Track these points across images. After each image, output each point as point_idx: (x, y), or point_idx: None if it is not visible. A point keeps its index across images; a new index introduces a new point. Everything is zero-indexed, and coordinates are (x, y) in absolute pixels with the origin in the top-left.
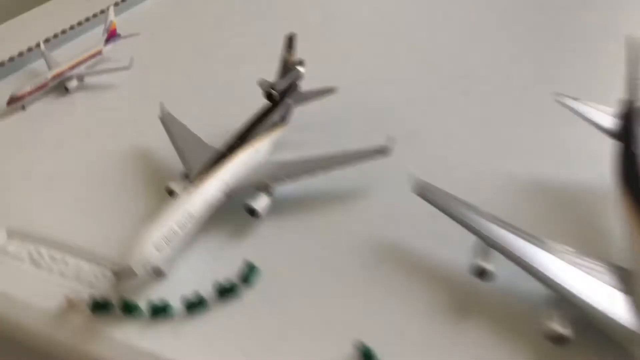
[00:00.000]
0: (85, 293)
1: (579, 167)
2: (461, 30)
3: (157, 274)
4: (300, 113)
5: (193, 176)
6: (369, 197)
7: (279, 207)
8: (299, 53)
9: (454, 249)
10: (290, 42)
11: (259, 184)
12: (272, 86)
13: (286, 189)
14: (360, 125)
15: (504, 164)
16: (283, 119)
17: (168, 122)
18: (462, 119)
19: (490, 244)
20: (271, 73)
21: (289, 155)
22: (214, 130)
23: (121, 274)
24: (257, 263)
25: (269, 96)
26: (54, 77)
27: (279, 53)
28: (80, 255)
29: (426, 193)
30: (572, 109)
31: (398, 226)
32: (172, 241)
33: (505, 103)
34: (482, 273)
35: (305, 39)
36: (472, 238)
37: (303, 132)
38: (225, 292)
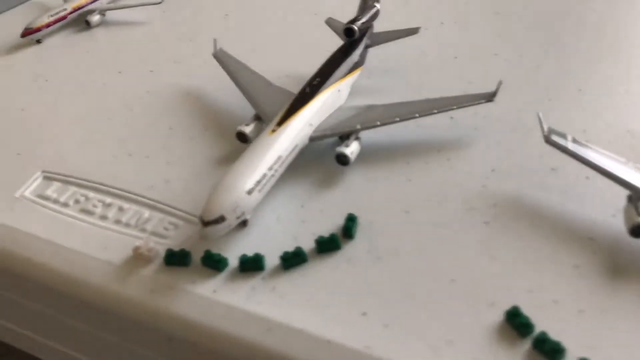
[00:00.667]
0: (154, 243)
1: None
2: None
3: (242, 224)
4: (370, 58)
5: (269, 119)
6: (471, 146)
7: (368, 155)
8: None
9: (587, 204)
10: None
11: (348, 128)
12: (353, 22)
13: (376, 135)
14: (444, 74)
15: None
16: (361, 59)
17: (225, 60)
18: (553, 70)
19: None
20: (334, 10)
21: (364, 101)
22: (270, 74)
23: (210, 220)
24: (351, 211)
25: (349, 32)
26: (74, 10)
27: None
28: (140, 202)
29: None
30: None
31: (513, 180)
32: (262, 185)
33: None
34: (639, 230)
35: None
36: (605, 190)
37: (374, 77)
38: (326, 244)
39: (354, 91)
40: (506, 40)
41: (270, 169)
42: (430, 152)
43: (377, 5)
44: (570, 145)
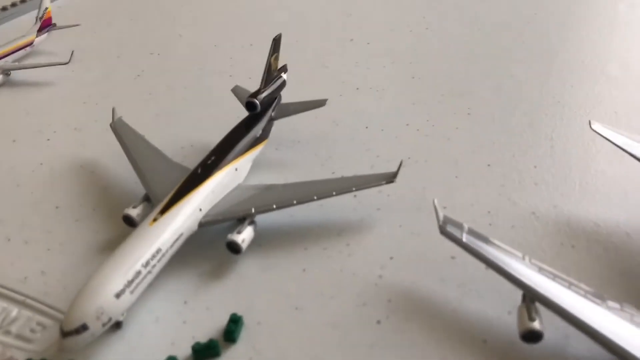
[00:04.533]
0: (17, 350)
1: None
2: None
3: (115, 326)
4: (279, 128)
5: (158, 200)
6: (372, 230)
7: (263, 239)
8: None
9: (484, 299)
10: (276, 44)
11: (242, 212)
12: (255, 94)
13: (270, 217)
14: (354, 144)
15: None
16: (264, 133)
17: (122, 131)
18: (460, 140)
19: (536, 298)
20: (240, 77)
21: (269, 176)
22: (172, 143)
23: (70, 330)
24: (238, 311)
25: (250, 106)
26: None
27: (250, 50)
28: (9, 297)
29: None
30: (610, 141)
31: (410, 269)
32: (136, 285)
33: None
34: (530, 335)
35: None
36: (503, 283)
37: (283, 148)
38: (204, 352)
39: (259, 164)
40: (420, 109)
41: (146, 265)
42: (330, 236)
43: (284, 76)
44: (465, 238)
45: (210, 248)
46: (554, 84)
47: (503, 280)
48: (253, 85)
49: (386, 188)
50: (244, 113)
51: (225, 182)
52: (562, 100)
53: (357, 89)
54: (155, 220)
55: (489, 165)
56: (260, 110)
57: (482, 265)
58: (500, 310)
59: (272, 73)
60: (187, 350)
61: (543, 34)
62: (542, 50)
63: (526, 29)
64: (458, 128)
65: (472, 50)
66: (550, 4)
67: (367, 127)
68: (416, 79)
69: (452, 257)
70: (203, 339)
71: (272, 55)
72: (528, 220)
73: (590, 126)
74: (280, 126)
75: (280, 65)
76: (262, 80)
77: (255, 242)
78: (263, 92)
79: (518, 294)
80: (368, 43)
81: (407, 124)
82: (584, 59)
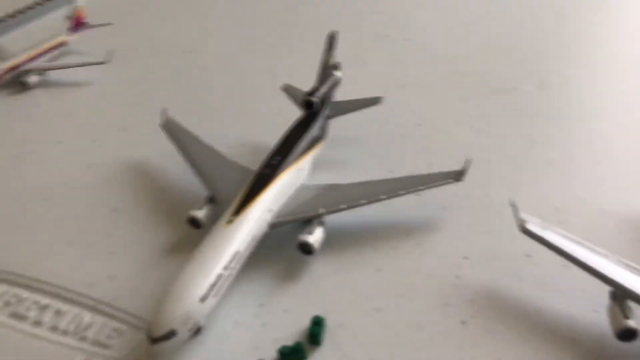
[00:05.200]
0: (95, 356)
1: None
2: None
3: (196, 331)
4: (332, 125)
5: (226, 201)
6: (440, 229)
7: (332, 240)
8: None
9: (566, 297)
10: (331, 42)
11: (311, 213)
12: (312, 92)
13: (340, 217)
14: (408, 143)
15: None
16: (322, 133)
17: (174, 131)
18: (513, 136)
19: (628, 295)
20: (282, 75)
21: (327, 175)
22: (222, 144)
23: (159, 336)
24: (318, 312)
25: (308, 104)
26: (10, 69)
27: (299, 49)
28: (79, 302)
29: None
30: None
31: (487, 269)
32: (218, 288)
33: None
34: (626, 334)
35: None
36: (584, 280)
37: (337, 147)
38: (291, 356)
39: (316, 164)
40: (470, 105)
41: (226, 268)
42: (398, 236)
43: (338, 74)
44: (549, 236)
45: (280, 249)
46: (604, 76)
47: (583, 278)
48: (297, 83)
49: (448, 186)
50: (291, 111)
51: (291, 182)
52: (608, 98)
53: (402, 86)
54: (230, 222)
55: (549, 161)
56: (317, 109)
57: (559, 263)
58: (585, 309)
59: (327, 70)
60: (272, 353)
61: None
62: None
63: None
64: (511, 124)
65: (513, 44)
66: None
67: (418, 125)
68: (460, 75)
69: (528, 255)
70: (285, 341)
71: (327, 53)
72: (598, 217)
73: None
74: (332, 124)
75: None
76: (318, 76)
77: (324, 243)
78: (320, 89)
79: (600, 291)
80: (405, 39)
81: (458, 121)
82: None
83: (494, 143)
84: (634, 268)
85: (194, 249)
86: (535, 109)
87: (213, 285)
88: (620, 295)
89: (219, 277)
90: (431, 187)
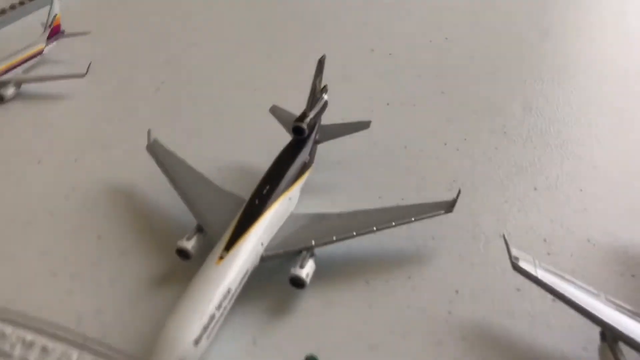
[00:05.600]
0: None
1: None
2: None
3: None
4: (318, 148)
5: (215, 233)
6: (431, 261)
7: (322, 271)
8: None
9: (556, 333)
10: (320, 66)
11: (302, 245)
12: (302, 118)
13: (326, 248)
14: (396, 166)
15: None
16: (311, 158)
17: (160, 154)
18: (501, 160)
19: (619, 337)
20: (265, 90)
21: (316, 201)
22: (208, 165)
23: None
24: (310, 349)
25: (298, 131)
26: None
27: (269, 61)
28: (66, 339)
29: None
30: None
31: (478, 303)
32: (211, 329)
33: None
34: None
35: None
36: (573, 316)
37: (324, 171)
38: None
39: (304, 189)
40: (455, 126)
41: (219, 307)
42: (389, 268)
43: (325, 97)
44: (540, 274)
45: (270, 281)
46: (580, 103)
47: (573, 314)
48: (281, 101)
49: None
50: (277, 131)
51: (281, 212)
52: (593, 123)
53: (388, 104)
54: (221, 258)
55: (535, 188)
56: (306, 134)
57: (548, 298)
58: (575, 346)
59: (316, 95)
60: None
61: (559, 49)
62: (562, 66)
63: (545, 41)
64: (497, 148)
65: (496, 64)
66: (566, 14)
67: (405, 147)
68: (446, 94)
69: (518, 289)
70: None
71: (316, 77)
72: (585, 248)
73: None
74: (319, 147)
75: (322, 86)
76: (308, 102)
77: (315, 274)
78: (309, 115)
79: (589, 328)
80: (390, 54)
81: (445, 143)
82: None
83: (480, 167)
84: (624, 308)
85: (185, 284)
86: (520, 131)
87: (206, 327)
88: (610, 336)
89: (212, 317)
90: (423, 218)
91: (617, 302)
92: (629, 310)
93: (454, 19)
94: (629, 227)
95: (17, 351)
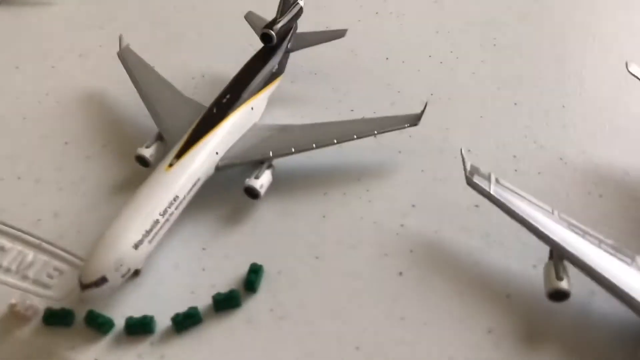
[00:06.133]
0: (34, 296)
1: None
2: None
3: (134, 274)
4: (294, 58)
5: (172, 140)
6: (393, 175)
7: (281, 183)
8: None
9: (508, 251)
10: None
11: (259, 156)
12: (271, 25)
13: (291, 160)
14: (373, 79)
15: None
16: (280, 67)
17: (130, 61)
18: (485, 74)
19: (565, 256)
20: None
21: (284, 111)
22: (182, 73)
23: (89, 283)
24: (257, 259)
25: (266, 38)
26: None
27: None
28: (23, 240)
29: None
30: None
31: (433, 218)
32: (154, 234)
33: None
34: (557, 295)
35: None
36: (531, 239)
37: (298, 81)
38: (224, 303)
39: (273, 99)
40: (443, 38)
41: (164, 213)
42: (349, 181)
43: (300, 3)
44: (493, 190)
45: (226, 192)
46: (584, 12)
47: (528, 233)
48: (264, 7)
49: (408, 129)
50: (257, 41)
51: (241, 122)
52: (594, 32)
53: (377, 13)
54: (171, 165)
55: (515, 103)
56: (276, 42)
57: (506, 216)
58: (525, 264)
59: (288, 1)
60: (208, 300)
61: None
62: None
63: None
64: (483, 61)
65: None
66: None
67: (387, 59)
68: (438, 3)
69: (476, 206)
70: (223, 287)
71: None
72: (555, 167)
73: (627, 68)
74: (295, 55)
75: None
76: (278, 8)
77: (273, 186)
78: (279, 22)
79: (544, 247)
80: None
81: (430, 55)
82: None
83: (463, 82)
84: (577, 227)
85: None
86: (511, 43)
87: (149, 232)
88: (557, 254)
89: (156, 222)
90: (386, 131)
91: (570, 220)
92: (580, 229)
93: None
94: (607, 148)
95: None
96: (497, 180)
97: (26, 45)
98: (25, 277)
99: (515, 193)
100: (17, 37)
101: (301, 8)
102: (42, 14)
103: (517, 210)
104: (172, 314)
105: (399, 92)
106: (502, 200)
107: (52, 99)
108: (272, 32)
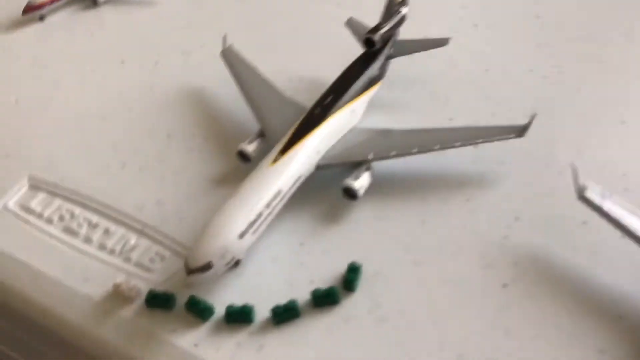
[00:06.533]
0: (137, 278)
1: None
2: None
3: (234, 264)
4: (393, 64)
5: (275, 138)
6: (494, 186)
7: (379, 186)
8: None
9: (619, 271)
10: None
11: (359, 157)
12: (374, 30)
13: (390, 164)
14: (473, 89)
15: None
16: (380, 73)
17: (233, 60)
18: (590, 91)
19: None
20: (347, 5)
21: (383, 117)
22: (280, 76)
23: (196, 268)
24: (356, 258)
25: (368, 43)
26: None
27: None
28: (127, 224)
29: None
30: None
31: (538, 232)
32: (258, 225)
33: None
34: None
35: None
36: None
37: (397, 88)
38: (323, 299)
39: (372, 105)
40: (545, 53)
41: (267, 206)
42: (449, 188)
43: (404, 10)
44: (606, 206)
45: (325, 191)
46: None
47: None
48: (363, 16)
49: (510, 141)
50: (354, 47)
51: (342, 124)
52: None
53: (475, 25)
54: (275, 160)
55: (623, 122)
56: (378, 47)
57: (616, 233)
58: (636, 286)
59: (392, 7)
60: (305, 294)
61: None
62: None
63: None
64: (588, 77)
65: None
66: None
67: (486, 70)
68: (540, 19)
69: (584, 222)
70: (320, 283)
71: None
72: None
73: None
74: (394, 63)
75: None
76: (382, 14)
77: (371, 189)
78: (382, 27)
79: None
80: None
81: (531, 70)
82: None
83: (567, 97)
84: None
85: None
86: (618, 61)
87: (253, 223)
88: None
89: (259, 215)
90: (490, 141)
91: None
92: None
93: None
94: None
95: (83, 230)
96: (609, 196)
97: (131, 42)
98: (128, 260)
99: (628, 210)
100: (122, 34)
101: (405, 15)
102: (146, 13)
103: (630, 227)
104: (270, 306)
105: (498, 104)
106: (615, 215)
107: (156, 93)
108: (375, 37)
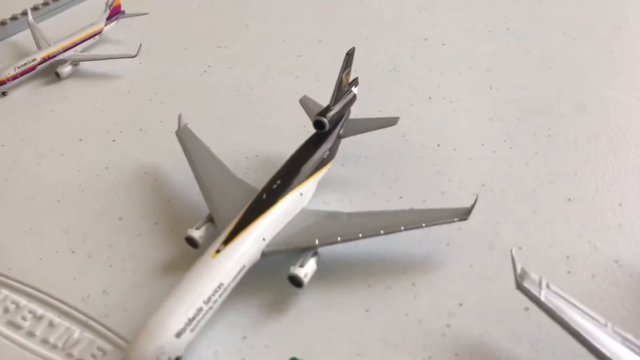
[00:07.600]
0: None
1: None
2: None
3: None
4: (345, 141)
5: (222, 224)
6: (440, 269)
7: (325, 271)
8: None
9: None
10: (349, 59)
11: (305, 243)
12: (324, 113)
13: (336, 248)
14: (424, 165)
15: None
16: (331, 153)
17: (187, 140)
18: (539, 166)
19: None
20: (306, 78)
21: (333, 196)
22: (236, 152)
23: None
24: (299, 352)
25: (318, 125)
26: (44, 60)
27: (318, 47)
28: (72, 316)
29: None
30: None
31: (480, 319)
32: (197, 322)
33: None
34: None
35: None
36: (583, 349)
37: (348, 164)
38: None
39: (322, 182)
40: (497, 126)
41: (207, 301)
42: (395, 273)
43: (354, 90)
44: (544, 297)
45: (270, 278)
46: None
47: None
48: (319, 88)
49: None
50: (310, 124)
51: (290, 208)
52: None
53: (430, 98)
54: (218, 252)
55: (569, 199)
56: (328, 129)
57: None
58: None
59: (342, 89)
60: None
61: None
62: (634, 64)
63: (615, 37)
64: (537, 152)
65: (555, 58)
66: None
67: (438, 145)
68: (494, 90)
69: (526, 309)
70: None
71: (344, 71)
72: (610, 270)
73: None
74: (347, 139)
75: (351, 78)
76: (332, 96)
77: (317, 274)
78: (332, 109)
79: None
80: (443, 44)
81: (483, 144)
82: None
83: (515, 173)
84: (631, 342)
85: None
86: (567, 134)
87: (192, 320)
88: None
89: (199, 310)
90: (434, 224)
91: (625, 334)
92: (636, 346)
93: (518, 8)
94: None
95: (27, 323)
96: (548, 286)
97: (92, 117)
98: (70, 355)
99: (567, 301)
100: (83, 109)
101: (354, 96)
102: (109, 87)
103: (568, 320)
104: None
105: (449, 180)
106: (552, 308)
107: (111, 172)
108: (325, 120)
